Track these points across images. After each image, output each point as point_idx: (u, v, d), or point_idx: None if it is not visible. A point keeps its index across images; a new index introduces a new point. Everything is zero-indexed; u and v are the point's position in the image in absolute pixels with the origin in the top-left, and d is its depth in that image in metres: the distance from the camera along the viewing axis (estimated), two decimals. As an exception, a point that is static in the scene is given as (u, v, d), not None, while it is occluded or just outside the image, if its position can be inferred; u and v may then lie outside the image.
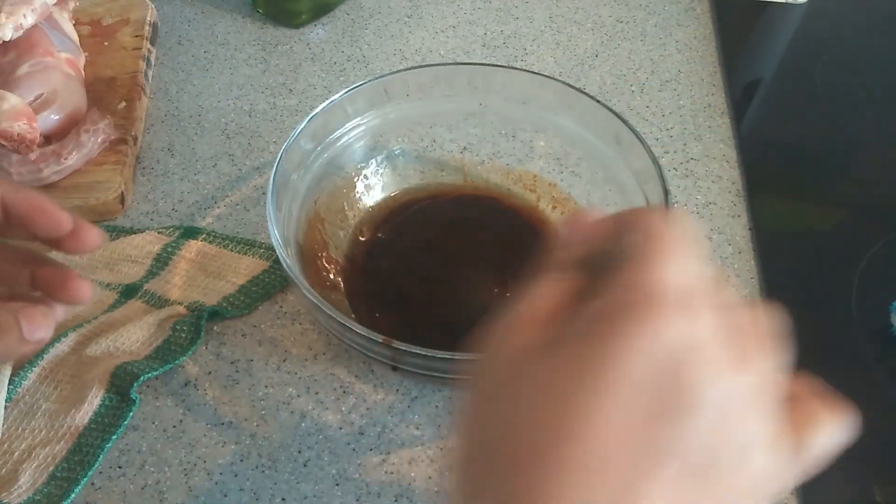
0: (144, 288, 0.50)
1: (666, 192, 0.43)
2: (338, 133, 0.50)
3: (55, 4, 0.59)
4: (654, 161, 0.45)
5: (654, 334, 0.21)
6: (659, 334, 0.21)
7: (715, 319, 0.22)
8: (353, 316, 0.47)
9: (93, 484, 0.42)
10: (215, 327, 0.49)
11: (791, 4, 0.73)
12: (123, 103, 0.59)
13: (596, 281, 0.23)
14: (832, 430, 0.23)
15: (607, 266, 0.23)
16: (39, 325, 0.32)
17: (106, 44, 0.64)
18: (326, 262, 0.49)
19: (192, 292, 0.50)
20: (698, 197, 0.57)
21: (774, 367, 0.23)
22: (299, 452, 0.44)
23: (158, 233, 0.53)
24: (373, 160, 0.53)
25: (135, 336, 0.47)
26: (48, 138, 0.55)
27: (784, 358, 0.24)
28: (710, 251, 0.54)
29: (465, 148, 0.54)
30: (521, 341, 0.23)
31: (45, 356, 0.45)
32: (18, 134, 0.51)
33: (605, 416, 0.20)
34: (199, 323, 0.47)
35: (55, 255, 0.35)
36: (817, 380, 0.24)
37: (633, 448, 0.20)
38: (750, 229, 0.55)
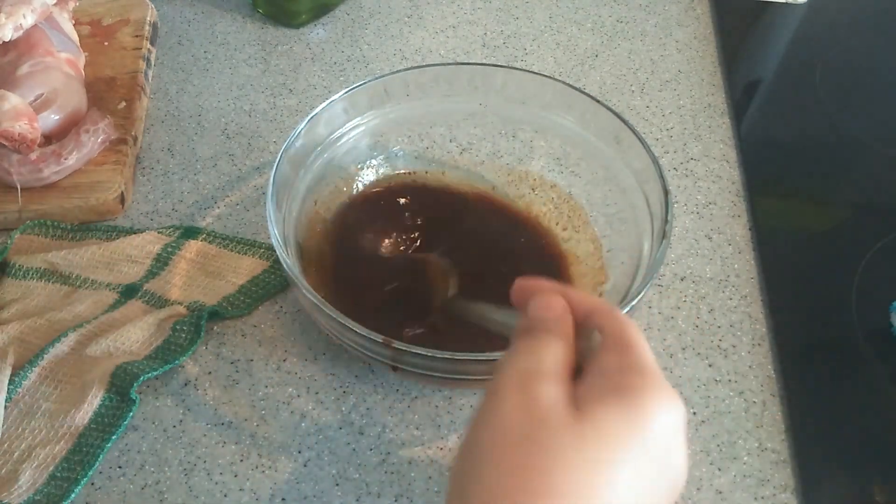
0: (144, 288, 0.50)
1: (666, 192, 0.43)
2: (338, 133, 0.50)
3: (55, 4, 0.59)
4: (655, 161, 0.45)
5: (668, 410, 0.26)
6: (669, 410, 0.26)
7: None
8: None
9: (93, 484, 0.42)
10: (215, 327, 0.49)
11: (791, 4, 0.73)
12: (123, 103, 0.59)
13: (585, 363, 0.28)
14: None
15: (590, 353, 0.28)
16: None
17: (106, 44, 0.64)
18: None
19: (192, 292, 0.50)
20: (698, 197, 0.57)
21: None
22: (299, 452, 0.44)
23: (158, 233, 0.53)
24: (373, 160, 0.53)
25: (135, 336, 0.47)
26: (48, 138, 0.55)
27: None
28: (710, 251, 0.54)
29: (464, 149, 0.54)
30: (549, 393, 0.26)
31: (45, 356, 0.45)
32: (19, 134, 0.51)
33: (629, 483, 0.24)
34: (199, 323, 0.47)
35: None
36: None
37: None
38: (750, 229, 0.55)
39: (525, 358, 0.28)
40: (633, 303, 0.39)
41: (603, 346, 0.28)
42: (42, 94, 0.55)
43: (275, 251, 0.42)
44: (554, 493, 0.24)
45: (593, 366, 0.28)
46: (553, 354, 0.28)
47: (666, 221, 0.42)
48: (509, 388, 0.27)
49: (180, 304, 0.49)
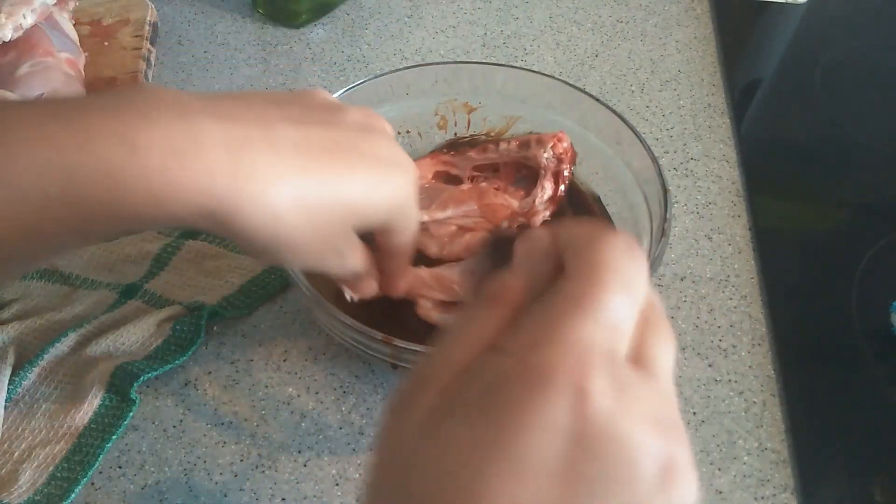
0: (144, 288, 0.50)
1: (665, 192, 0.43)
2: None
3: (55, 4, 0.59)
4: (654, 160, 0.45)
5: (564, 398, 0.19)
6: (570, 398, 0.19)
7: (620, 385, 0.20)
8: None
9: (93, 484, 0.42)
10: (215, 327, 0.49)
11: (791, 4, 0.73)
12: (123, 103, 0.59)
13: (517, 330, 0.21)
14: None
15: (537, 302, 0.22)
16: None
17: (106, 44, 0.64)
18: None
19: (192, 292, 0.50)
20: (698, 197, 0.57)
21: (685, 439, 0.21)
22: (299, 452, 0.44)
23: (158, 233, 0.53)
24: (373, 160, 0.53)
25: (135, 336, 0.47)
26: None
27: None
28: (710, 251, 0.54)
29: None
30: (423, 408, 0.21)
31: (45, 356, 0.45)
32: (18, 134, 0.51)
33: (510, 499, 0.18)
34: (199, 323, 0.47)
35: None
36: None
37: None
38: (750, 229, 0.55)
39: (414, 373, 0.23)
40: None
41: (548, 299, 0.21)
42: (42, 95, 0.55)
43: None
44: None
45: (519, 329, 0.21)
46: (444, 346, 0.22)
47: (665, 220, 0.42)
48: (391, 418, 0.22)
49: (180, 304, 0.49)
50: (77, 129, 0.25)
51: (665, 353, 0.22)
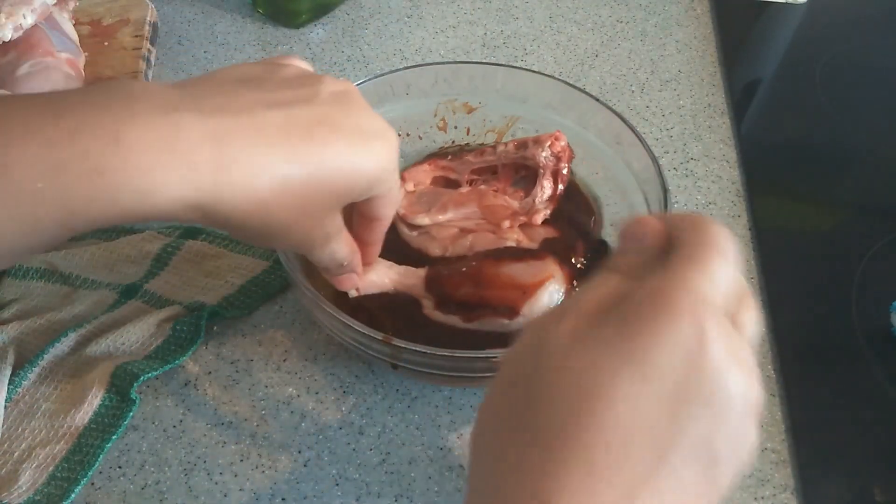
0: (144, 288, 0.50)
1: (665, 192, 0.43)
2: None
3: (55, 4, 0.59)
4: (654, 161, 0.45)
5: (688, 327, 0.23)
6: (692, 328, 0.23)
7: (728, 326, 0.25)
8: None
9: (93, 484, 0.42)
10: (215, 327, 0.49)
11: (791, 4, 0.73)
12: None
13: (643, 280, 0.26)
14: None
15: (654, 266, 0.26)
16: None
17: (106, 44, 0.64)
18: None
19: (192, 292, 0.50)
20: (698, 197, 0.57)
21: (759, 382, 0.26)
22: (299, 452, 0.44)
23: (158, 233, 0.53)
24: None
25: (135, 336, 0.47)
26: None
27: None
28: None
29: (464, 148, 0.54)
30: (570, 324, 0.25)
31: (45, 356, 0.45)
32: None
33: (634, 397, 0.23)
34: (199, 323, 0.47)
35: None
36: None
37: (654, 428, 0.23)
38: (750, 229, 0.55)
39: (556, 307, 0.28)
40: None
41: (670, 258, 0.26)
42: (42, 94, 0.55)
43: (275, 251, 0.42)
44: (568, 400, 0.24)
45: (651, 277, 0.26)
46: (581, 294, 0.27)
47: None
48: (537, 328, 0.27)
49: (180, 304, 0.49)
50: (64, 126, 0.26)
51: (751, 322, 0.26)
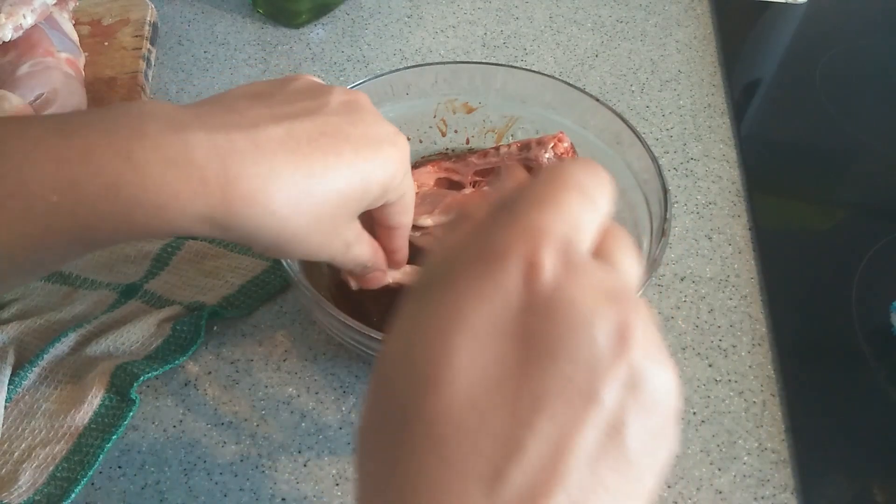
0: (144, 288, 0.50)
1: (665, 191, 0.43)
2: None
3: (55, 4, 0.59)
4: (654, 161, 0.45)
5: (513, 266, 0.20)
6: (518, 267, 0.20)
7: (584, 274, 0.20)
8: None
9: (93, 484, 0.42)
10: (215, 327, 0.49)
11: (791, 4, 0.73)
12: (123, 103, 0.59)
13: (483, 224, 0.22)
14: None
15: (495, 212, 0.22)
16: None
17: (106, 44, 0.64)
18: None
19: (192, 292, 0.50)
20: (698, 197, 0.57)
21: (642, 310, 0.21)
22: (299, 452, 0.44)
23: (158, 233, 0.53)
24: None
25: (135, 336, 0.47)
26: (48, 138, 0.55)
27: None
28: (710, 251, 0.54)
29: (464, 148, 0.54)
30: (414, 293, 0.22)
31: (45, 356, 0.45)
32: (18, 134, 0.51)
33: (470, 366, 0.19)
34: (199, 323, 0.47)
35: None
36: None
37: (506, 396, 0.19)
38: (750, 229, 0.55)
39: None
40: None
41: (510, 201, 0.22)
42: (42, 94, 0.55)
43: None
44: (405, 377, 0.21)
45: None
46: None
47: (665, 220, 0.42)
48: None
49: (180, 304, 0.49)
50: (76, 145, 0.27)
51: (626, 258, 0.22)
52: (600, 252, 0.22)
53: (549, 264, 0.20)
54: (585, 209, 0.21)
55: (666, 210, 0.42)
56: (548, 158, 0.48)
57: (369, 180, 0.32)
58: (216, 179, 0.28)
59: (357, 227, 0.35)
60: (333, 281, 0.48)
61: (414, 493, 0.19)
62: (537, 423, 0.19)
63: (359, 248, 0.35)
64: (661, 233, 0.42)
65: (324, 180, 0.30)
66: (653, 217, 0.44)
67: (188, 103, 0.31)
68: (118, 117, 0.28)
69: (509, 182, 0.25)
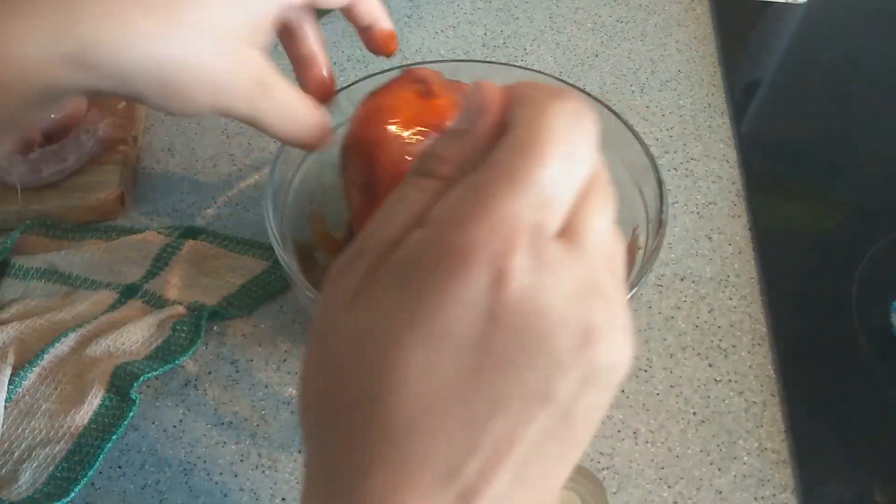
0: (144, 288, 0.50)
1: (660, 183, 0.43)
2: (338, 132, 0.50)
3: None
4: (649, 154, 0.45)
5: (483, 274, 0.19)
6: (487, 275, 0.19)
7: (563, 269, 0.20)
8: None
9: (93, 484, 0.42)
10: (215, 327, 0.49)
11: (791, 4, 0.73)
12: (123, 103, 0.59)
13: (446, 197, 0.20)
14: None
15: (476, 163, 0.20)
16: None
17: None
18: (326, 260, 0.49)
19: (192, 292, 0.50)
20: (698, 197, 0.57)
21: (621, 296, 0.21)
22: (299, 452, 0.44)
23: (158, 233, 0.53)
24: (373, 160, 0.53)
25: (135, 336, 0.47)
26: (48, 138, 0.55)
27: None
28: (710, 251, 0.54)
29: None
30: (354, 275, 0.20)
31: (45, 356, 0.45)
32: (18, 134, 0.51)
33: (425, 367, 0.19)
34: (199, 323, 0.47)
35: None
36: None
37: (463, 399, 0.19)
38: (750, 229, 0.55)
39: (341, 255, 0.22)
40: (630, 295, 0.39)
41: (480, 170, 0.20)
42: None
43: (274, 251, 0.42)
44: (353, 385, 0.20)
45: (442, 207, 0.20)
46: (370, 226, 0.21)
47: (661, 211, 0.42)
48: (322, 297, 0.22)
49: (180, 304, 0.49)
50: None
51: (598, 220, 0.21)
52: (572, 222, 0.20)
53: (518, 271, 0.19)
54: (564, 178, 0.20)
55: (661, 202, 0.42)
56: None
57: None
58: (60, 13, 0.24)
59: (266, 61, 0.30)
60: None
61: (368, 492, 0.19)
62: (492, 424, 0.19)
63: (280, 91, 0.31)
64: (659, 223, 0.42)
65: None
66: (648, 211, 0.44)
67: None
68: None
69: (472, 110, 0.22)
